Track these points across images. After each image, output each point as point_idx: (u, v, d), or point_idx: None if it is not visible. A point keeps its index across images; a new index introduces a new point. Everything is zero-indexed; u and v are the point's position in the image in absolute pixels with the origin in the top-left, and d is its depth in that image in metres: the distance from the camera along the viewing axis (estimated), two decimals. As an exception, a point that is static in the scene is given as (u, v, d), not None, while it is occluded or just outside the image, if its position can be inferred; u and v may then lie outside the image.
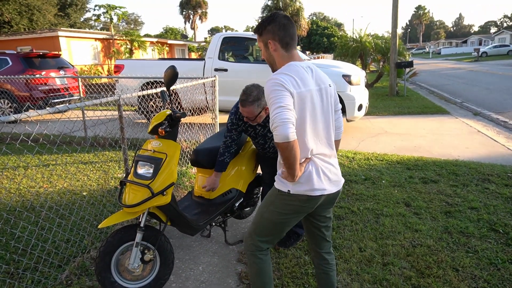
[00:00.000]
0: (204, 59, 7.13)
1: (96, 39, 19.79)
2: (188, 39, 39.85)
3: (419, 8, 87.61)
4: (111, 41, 20.41)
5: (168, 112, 2.27)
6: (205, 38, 52.59)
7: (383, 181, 4.08)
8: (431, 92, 12.96)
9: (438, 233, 2.91)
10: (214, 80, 4.99)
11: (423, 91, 13.44)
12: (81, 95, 5.90)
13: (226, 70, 6.79)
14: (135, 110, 7.71)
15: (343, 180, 1.81)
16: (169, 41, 26.36)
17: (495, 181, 3.95)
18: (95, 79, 14.90)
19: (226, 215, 2.80)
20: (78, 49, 18.66)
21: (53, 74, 8.78)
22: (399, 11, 11.23)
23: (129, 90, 7.23)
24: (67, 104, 8.99)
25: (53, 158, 5.27)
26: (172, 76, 2.15)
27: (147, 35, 21.07)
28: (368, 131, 6.87)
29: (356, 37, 14.31)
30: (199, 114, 7.53)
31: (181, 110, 7.16)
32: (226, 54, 7.12)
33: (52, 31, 17.92)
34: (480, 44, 58.59)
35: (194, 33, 48.31)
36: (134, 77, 6.18)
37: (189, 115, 7.60)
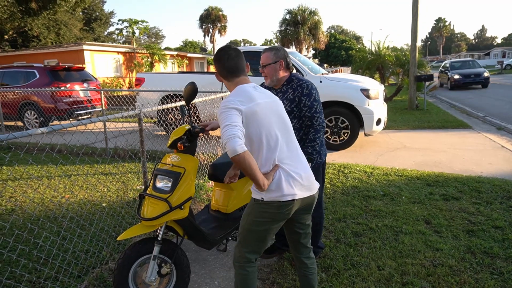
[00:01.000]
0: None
1: (118, 52, 20.40)
2: (207, 52, 40.59)
3: (439, 20, 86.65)
4: (132, 54, 21.00)
5: (187, 127, 2.31)
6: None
7: (403, 197, 4.00)
8: (452, 106, 12.70)
9: (460, 253, 2.82)
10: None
11: (444, 104, 13.19)
12: (103, 107, 6.07)
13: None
14: (154, 122, 7.87)
15: (317, 185, 1.90)
16: (189, 54, 26.90)
17: (521, 199, 3.82)
18: (117, 91, 15.31)
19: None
20: (101, 62, 19.28)
21: (77, 87, 9.09)
22: (419, 23, 11.14)
23: (149, 103, 7.40)
24: (90, 117, 9.30)
25: (75, 169, 5.42)
26: (192, 92, 2.20)
27: (167, 48, 21.60)
28: (387, 145, 6.78)
29: (374, 49, 14.24)
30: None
31: (199, 123, 7.27)
32: (244, 68, 7.21)
33: (77, 44, 18.62)
34: (503, 56, 57.22)
35: (213, 47, 49.18)
36: (154, 90, 6.34)
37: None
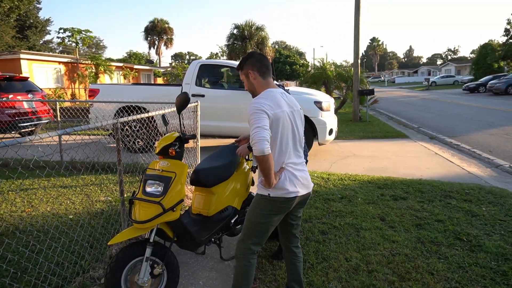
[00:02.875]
0: (180, 85, 7.33)
1: (59, 62, 19.37)
2: (153, 64, 39.84)
3: (373, 40, 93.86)
4: (75, 64, 20.04)
5: (176, 134, 2.45)
6: (171, 63, 52.76)
7: (359, 199, 4.42)
8: (390, 118, 13.92)
9: (412, 243, 3.24)
10: (196, 105, 5.20)
11: (383, 117, 14.40)
12: (58, 119, 5.84)
13: (203, 96, 7.02)
14: (109, 134, 7.67)
15: (312, 184, 2.22)
16: (135, 66, 26.28)
17: (455, 197, 4.42)
18: (60, 103, 14.49)
19: (221, 232, 2.96)
20: (40, 73, 18.15)
21: (20, 98, 8.55)
22: (360, 43, 12.17)
23: (104, 114, 7.22)
24: (34, 129, 8.64)
25: (29, 183, 5.14)
26: (184, 101, 2.36)
27: (109, 59, 20.91)
28: (338, 154, 7.31)
29: (319, 65, 15.18)
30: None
31: (158, 134, 7.25)
32: (202, 81, 7.38)
33: (12, 53, 17.37)
34: (429, 74, 63.46)
35: (159, 59, 48.42)
36: (111, 101, 6.25)
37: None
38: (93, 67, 20.16)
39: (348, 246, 3.19)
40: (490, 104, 17.42)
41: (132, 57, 46.09)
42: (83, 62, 20.18)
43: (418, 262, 2.89)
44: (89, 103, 7.50)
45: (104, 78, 21.62)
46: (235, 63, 7.65)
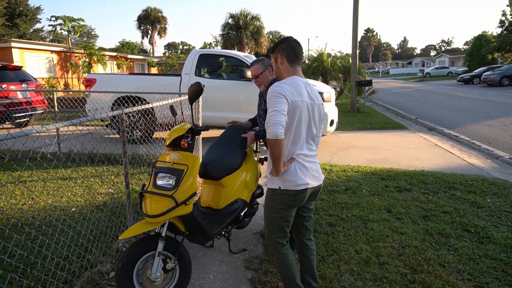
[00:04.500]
0: (180, 75, 7.21)
1: (52, 51, 18.97)
2: (147, 53, 39.28)
3: (368, 30, 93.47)
4: (68, 54, 19.66)
5: (188, 125, 2.38)
6: (164, 53, 52.09)
7: (363, 191, 4.40)
8: (387, 109, 13.92)
9: (421, 235, 3.23)
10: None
11: (380, 108, 14.40)
12: (55, 109, 5.71)
13: (203, 86, 6.90)
14: (106, 125, 7.54)
15: (323, 176, 2.18)
16: (129, 56, 25.89)
17: (460, 188, 4.42)
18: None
19: (231, 225, 2.91)
20: (32, 62, 17.77)
21: (13, 87, 8.36)
22: (359, 34, 12.07)
23: (102, 104, 7.09)
24: (28, 120, 8.48)
25: (27, 175, 5.04)
26: (197, 91, 2.28)
27: (102, 49, 20.50)
28: (338, 145, 7.29)
29: (316, 56, 15.07)
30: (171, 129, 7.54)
31: (155, 126, 7.15)
32: (202, 71, 7.26)
33: (3, 42, 16.95)
34: (423, 65, 63.56)
35: (152, 48, 47.74)
36: (109, 92, 6.12)
37: (162, 131, 7.59)
38: (86, 57, 19.79)
39: (357, 238, 3.17)
40: (485, 95, 17.51)
41: (125, 47, 45.36)
42: (76, 51, 19.79)
43: (429, 254, 2.88)
44: (86, 93, 7.35)
45: (98, 68, 21.26)
46: (235, 52, 7.53)
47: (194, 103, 2.45)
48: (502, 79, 23.16)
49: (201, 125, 2.39)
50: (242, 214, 2.89)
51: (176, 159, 2.31)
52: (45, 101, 9.26)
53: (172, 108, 2.73)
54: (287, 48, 2.07)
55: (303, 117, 1.97)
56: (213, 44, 37.04)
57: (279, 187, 1.99)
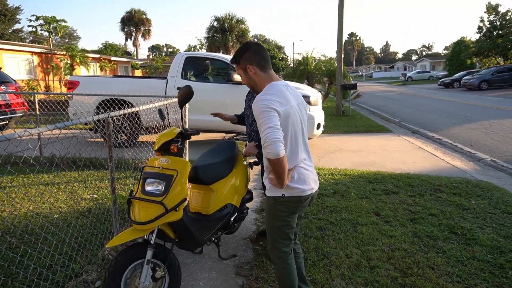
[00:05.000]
0: (165, 78, 7.12)
1: (32, 53, 18.49)
2: (131, 56, 38.77)
3: (351, 35, 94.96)
4: (49, 55, 19.20)
5: (178, 129, 2.33)
6: (148, 55, 51.52)
7: (351, 194, 4.41)
8: (372, 112, 14.11)
9: (409, 238, 3.25)
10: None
11: (364, 111, 14.58)
12: (37, 112, 5.54)
13: (189, 89, 6.83)
14: (90, 129, 7.37)
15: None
16: (113, 58, 25.49)
17: (445, 190, 4.49)
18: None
19: (221, 231, 2.86)
20: (11, 63, 17.27)
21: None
22: (334, 37, 12.21)
23: (85, 107, 6.92)
24: (7, 123, 8.15)
25: (6, 180, 4.86)
26: (187, 95, 2.23)
27: (84, 51, 20.09)
28: (325, 148, 7.32)
29: (302, 60, 15.18)
30: (157, 133, 7.41)
31: (140, 129, 7.02)
32: (188, 73, 7.19)
33: (-20, 42, 16.44)
34: (405, 69, 64.93)
35: (136, 51, 47.19)
36: (93, 94, 5.98)
37: (147, 134, 7.46)
38: (68, 58, 19.37)
39: (347, 242, 3.16)
40: (465, 99, 17.97)
41: (108, 49, 44.69)
42: (58, 53, 19.34)
43: (418, 257, 2.90)
44: (68, 96, 7.17)
45: (80, 70, 20.83)
46: (221, 55, 7.49)
47: (183, 108, 2.40)
48: (481, 83, 23.85)
49: (190, 129, 2.32)
50: (232, 219, 2.85)
51: (165, 164, 2.25)
52: (25, 104, 8.99)
53: (160, 111, 2.68)
54: (254, 56, 1.95)
55: (295, 124, 1.91)
56: (198, 47, 36.85)
57: (283, 194, 1.91)
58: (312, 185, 2.00)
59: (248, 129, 2.94)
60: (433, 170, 5.57)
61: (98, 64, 23.49)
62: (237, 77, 6.66)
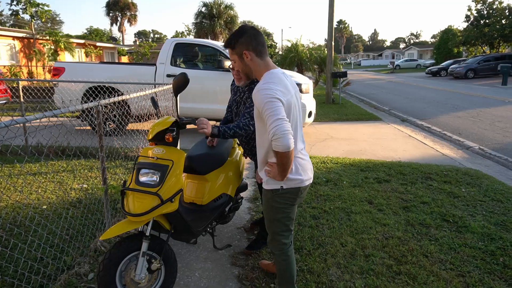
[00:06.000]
0: (154, 65, 6.96)
1: (13, 37, 17.87)
2: (117, 41, 37.85)
3: (340, 22, 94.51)
4: (32, 40, 18.59)
5: (172, 118, 2.26)
6: (135, 41, 50.46)
7: (344, 182, 4.42)
8: (361, 100, 14.16)
9: (402, 226, 3.28)
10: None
11: (354, 99, 14.62)
12: (21, 99, 5.35)
13: (179, 76, 6.69)
14: (77, 117, 7.19)
15: None
16: (98, 43, 24.85)
17: (436, 178, 4.54)
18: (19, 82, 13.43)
19: (216, 221, 2.83)
20: (-8, 48, 16.69)
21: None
22: (323, 24, 12.12)
23: (72, 95, 6.73)
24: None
25: (-9, 170, 4.71)
26: (183, 83, 2.15)
27: (68, 36, 19.48)
28: (316, 136, 7.32)
29: (291, 47, 15.04)
30: (146, 121, 7.28)
31: (129, 116, 6.88)
32: (178, 60, 7.04)
33: (-41, 26, 15.77)
34: (393, 57, 65.19)
35: (122, 36, 46.11)
36: (81, 81, 5.81)
37: (136, 122, 7.32)
38: (52, 44, 18.78)
39: (342, 231, 3.17)
40: (453, 87, 18.17)
41: (93, 34, 43.54)
42: (41, 38, 18.73)
43: (411, 245, 2.93)
44: (54, 82, 6.95)
45: (65, 56, 20.26)
46: (212, 42, 7.35)
47: (177, 96, 2.32)
48: (467, 72, 24.11)
49: (186, 118, 2.25)
50: (227, 209, 2.82)
51: (160, 154, 2.19)
52: (8, 91, 8.71)
53: (153, 99, 2.59)
54: (251, 40, 1.85)
55: (296, 114, 1.87)
56: (185, 33, 36.20)
57: (281, 186, 1.88)
58: (310, 175, 1.99)
59: (235, 118, 2.81)
60: (423, 158, 5.62)
61: (83, 50, 22.88)
62: (227, 64, 6.56)
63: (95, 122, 6.71)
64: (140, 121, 7.12)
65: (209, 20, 32.16)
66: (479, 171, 4.95)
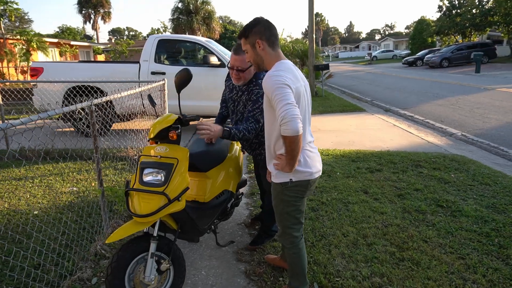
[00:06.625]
0: (138, 62, 6.80)
1: (-19, 38, 17.09)
2: (91, 40, 36.79)
3: (317, 15, 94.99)
4: (1, 40, 17.82)
5: (174, 116, 2.21)
6: (110, 39, 49.16)
7: (337, 173, 4.47)
8: (343, 92, 14.33)
9: (400, 213, 3.35)
10: (164, 83, 4.85)
11: (336, 91, 14.77)
12: (0, 102, 5.13)
13: (164, 73, 6.59)
14: (58, 118, 6.96)
15: None
16: (72, 42, 24.10)
17: (425, 166, 4.65)
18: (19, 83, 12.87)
19: (219, 218, 2.80)
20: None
21: None
22: (299, 18, 12.17)
23: (52, 96, 6.50)
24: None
25: (-27, 177, 4.51)
26: (186, 79, 2.10)
27: (39, 35, 18.76)
28: (304, 129, 7.35)
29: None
30: (129, 120, 7.11)
31: (114, 115, 6.72)
32: (162, 57, 6.91)
33: None
34: (369, 49, 66.24)
35: (97, 34, 44.88)
36: (63, 81, 5.62)
37: (120, 121, 7.16)
38: (24, 43, 18.07)
39: (342, 221, 3.21)
40: (430, 76, 18.62)
41: (66, 33, 42.12)
42: (11, 38, 17.98)
43: (411, 231, 2.99)
44: (32, 83, 6.69)
45: (37, 56, 19.54)
46: (196, 37, 7.24)
47: (180, 92, 2.27)
48: (442, 61, 24.79)
49: (189, 116, 2.21)
50: (229, 205, 2.79)
51: (163, 152, 2.14)
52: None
53: (150, 97, 2.54)
54: (264, 30, 1.88)
55: (305, 104, 1.88)
56: (161, 30, 35.57)
57: (291, 179, 1.89)
58: (319, 167, 2.00)
59: (231, 116, 2.78)
60: (410, 147, 5.75)
61: (57, 50, 22.14)
62: (213, 60, 6.49)
63: (79, 123, 6.50)
64: (123, 121, 6.96)
65: (186, 16, 31.72)
66: (464, 156, 5.10)
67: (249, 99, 2.43)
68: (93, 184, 4.21)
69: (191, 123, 2.25)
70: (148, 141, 2.32)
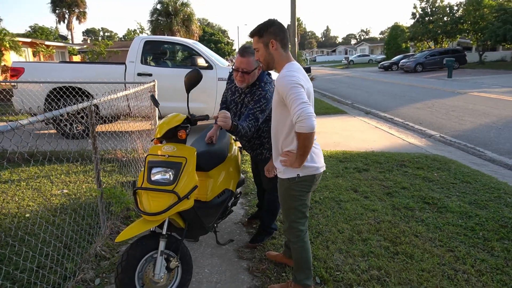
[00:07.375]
0: (123, 63, 6.73)
1: (-51, 37, 16.32)
2: (67, 40, 35.77)
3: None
4: (-30, 40, 17.07)
5: (182, 115, 2.24)
6: (86, 39, 47.95)
7: (327, 173, 4.60)
8: (324, 95, 14.60)
9: (390, 210, 3.49)
10: (154, 85, 4.85)
11: (317, 94, 15.02)
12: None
13: (150, 74, 6.55)
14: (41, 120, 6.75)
15: None
16: (47, 42, 23.39)
17: (409, 165, 4.85)
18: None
19: (222, 216, 2.84)
20: None
21: None
22: (296, 21, 12.38)
23: (33, 97, 6.33)
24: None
25: (-46, 180, 4.34)
26: (195, 79, 2.14)
27: (9, 34, 18.07)
28: (289, 131, 7.47)
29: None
30: (115, 121, 7.01)
31: (97, 117, 6.61)
32: (148, 58, 6.87)
33: None
34: (346, 53, 67.63)
35: (71, 35, 43.69)
36: (49, 82, 5.50)
37: (105, 123, 7.04)
38: (-6, 43, 17.36)
39: (336, 219, 3.32)
40: (405, 81, 19.26)
41: (38, 32, 40.73)
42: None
43: (402, 227, 3.14)
44: (13, 84, 6.49)
45: (10, 56, 18.83)
46: (183, 39, 7.25)
47: (189, 93, 2.30)
48: (416, 66, 25.67)
49: (197, 115, 2.25)
50: (229, 204, 2.85)
51: (171, 151, 2.17)
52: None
53: (153, 97, 2.56)
54: (279, 31, 1.97)
55: (311, 101, 1.98)
56: (138, 32, 35.01)
57: (298, 174, 1.98)
58: (323, 162, 2.12)
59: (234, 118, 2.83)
60: (393, 147, 5.97)
61: (30, 50, 21.43)
62: (200, 61, 6.51)
63: (61, 125, 6.34)
64: (106, 123, 6.85)
65: (165, 17, 31.43)
66: (445, 156, 5.36)
67: (252, 100, 2.50)
68: (84, 186, 4.15)
69: (198, 122, 2.29)
70: (152, 140, 2.35)
